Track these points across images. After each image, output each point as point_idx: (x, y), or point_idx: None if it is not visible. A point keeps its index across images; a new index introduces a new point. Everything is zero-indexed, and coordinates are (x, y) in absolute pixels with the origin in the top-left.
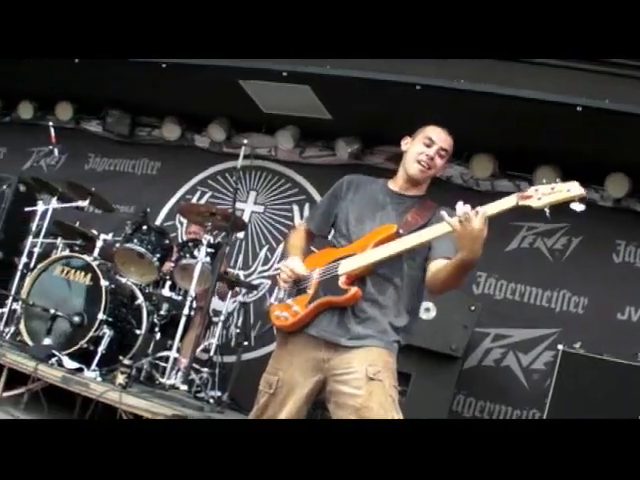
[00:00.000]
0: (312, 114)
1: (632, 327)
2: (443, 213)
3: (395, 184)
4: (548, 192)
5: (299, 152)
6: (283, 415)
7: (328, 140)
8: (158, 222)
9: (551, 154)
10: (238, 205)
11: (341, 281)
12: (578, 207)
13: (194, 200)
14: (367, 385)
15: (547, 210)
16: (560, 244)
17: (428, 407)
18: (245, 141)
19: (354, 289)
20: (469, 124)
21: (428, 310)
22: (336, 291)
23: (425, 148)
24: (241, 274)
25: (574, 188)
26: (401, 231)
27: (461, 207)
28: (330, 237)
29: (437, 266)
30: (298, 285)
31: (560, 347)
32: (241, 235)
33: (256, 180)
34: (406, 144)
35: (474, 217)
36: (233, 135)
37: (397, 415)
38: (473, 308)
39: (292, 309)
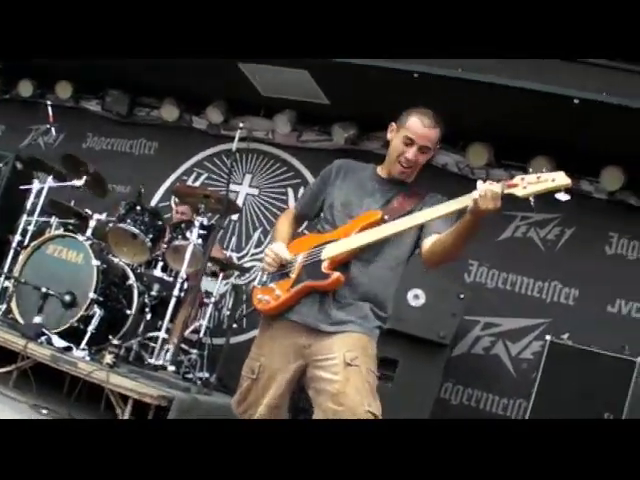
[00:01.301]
0: (310, 99)
1: (622, 320)
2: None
3: (383, 171)
4: (534, 181)
5: (296, 136)
6: (265, 400)
7: (325, 125)
8: (154, 202)
9: (547, 145)
10: (233, 187)
11: (324, 266)
12: (563, 197)
13: (190, 181)
14: (344, 371)
15: (532, 199)
16: (553, 235)
17: (415, 394)
18: (241, 124)
19: (336, 274)
20: (466, 113)
21: (417, 297)
22: (318, 276)
23: (406, 148)
24: (234, 256)
25: (560, 178)
26: (386, 217)
27: (483, 185)
28: (316, 222)
29: (434, 239)
30: (282, 269)
31: (548, 337)
32: (235, 217)
33: (252, 163)
34: (391, 132)
35: (495, 199)
36: (231, 118)
37: (374, 401)
38: (462, 296)
39: (274, 293)
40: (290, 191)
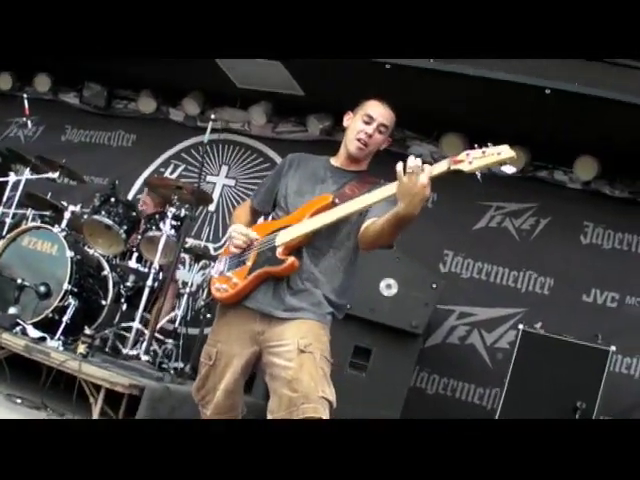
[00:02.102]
0: (285, 90)
1: (597, 309)
2: (399, 164)
3: (337, 160)
4: (479, 156)
5: (272, 127)
6: (222, 386)
7: (300, 116)
8: (132, 194)
9: (521, 135)
10: (210, 179)
11: (278, 252)
12: (509, 169)
13: (167, 173)
14: (298, 357)
15: (478, 174)
16: (528, 224)
17: (388, 383)
18: (213, 116)
19: (291, 259)
20: (440, 104)
21: (389, 287)
22: (274, 261)
23: (365, 126)
24: (210, 247)
25: (505, 151)
26: (337, 201)
27: (413, 160)
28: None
29: (369, 223)
30: (238, 257)
31: (521, 327)
32: (212, 208)
33: (228, 154)
34: (348, 120)
35: (421, 172)
36: (207, 109)
37: (328, 387)
38: (435, 286)
39: (231, 281)
40: None
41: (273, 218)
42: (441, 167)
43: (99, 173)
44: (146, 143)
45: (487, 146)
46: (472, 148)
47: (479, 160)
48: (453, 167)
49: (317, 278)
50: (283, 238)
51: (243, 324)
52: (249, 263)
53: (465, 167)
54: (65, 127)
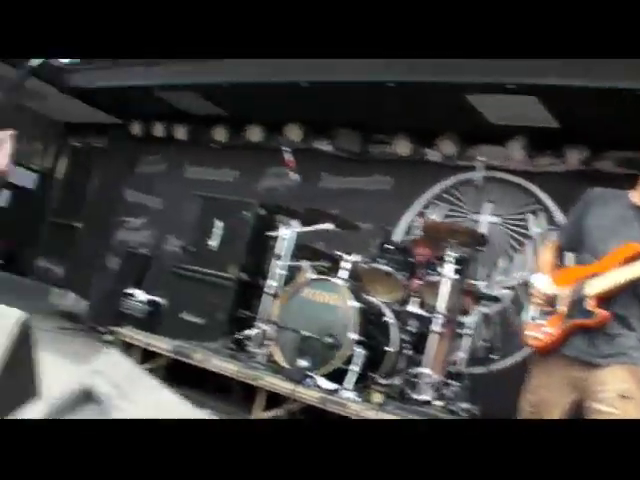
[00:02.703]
0: (540, 124)
1: None
2: None
3: (638, 197)
4: None
5: (530, 161)
6: None
7: (557, 148)
8: (396, 238)
9: None
10: (475, 217)
11: (589, 303)
12: None
13: (430, 214)
14: (621, 403)
15: None
16: None
17: None
18: (480, 157)
19: (603, 313)
20: None
21: None
22: (586, 314)
23: None
24: (481, 285)
25: None
26: None
27: None
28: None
29: None
30: (549, 305)
31: None
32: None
33: (490, 191)
34: None
35: None
36: (464, 148)
37: None
38: None
39: (545, 330)
40: (530, 217)
41: (580, 261)
42: None
43: (360, 218)
44: (404, 185)
45: None
46: None
47: None
48: None
49: (630, 322)
50: (593, 288)
51: (563, 371)
52: (561, 312)
53: None
54: (321, 174)
